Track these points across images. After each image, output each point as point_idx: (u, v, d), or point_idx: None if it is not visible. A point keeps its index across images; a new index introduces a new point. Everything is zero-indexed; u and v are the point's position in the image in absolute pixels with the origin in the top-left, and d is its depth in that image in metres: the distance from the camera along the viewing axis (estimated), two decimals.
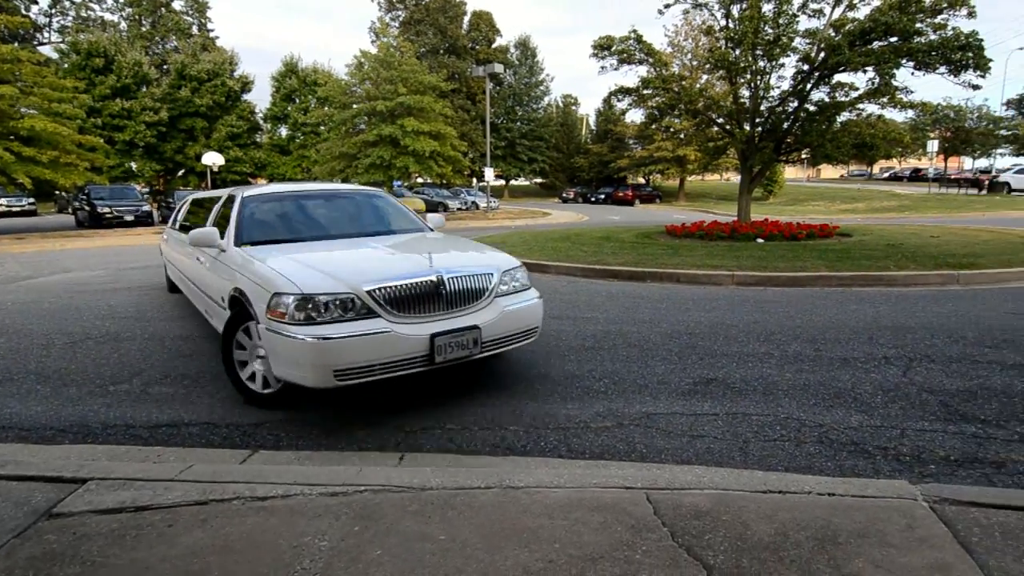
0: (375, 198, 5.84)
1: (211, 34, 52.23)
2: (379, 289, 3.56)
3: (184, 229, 6.59)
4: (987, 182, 38.10)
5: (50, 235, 20.10)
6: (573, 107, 57.59)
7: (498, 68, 30.01)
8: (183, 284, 6.44)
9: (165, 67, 45.07)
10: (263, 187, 5.53)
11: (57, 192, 33.98)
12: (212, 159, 28.65)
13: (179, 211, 7.62)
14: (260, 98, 65.75)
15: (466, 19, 52.86)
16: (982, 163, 57.19)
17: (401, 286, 3.62)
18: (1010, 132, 46.67)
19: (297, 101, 43.01)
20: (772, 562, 2.02)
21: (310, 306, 3.41)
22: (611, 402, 3.88)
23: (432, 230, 5.48)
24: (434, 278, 3.75)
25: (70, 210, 28.52)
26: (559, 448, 3.26)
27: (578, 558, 2.07)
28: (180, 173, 41.94)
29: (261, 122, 44.17)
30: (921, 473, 2.86)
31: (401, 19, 51.62)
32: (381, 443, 3.39)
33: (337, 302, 3.46)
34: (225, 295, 4.18)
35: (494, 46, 53.04)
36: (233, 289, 4.00)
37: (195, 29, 51.57)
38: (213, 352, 5.25)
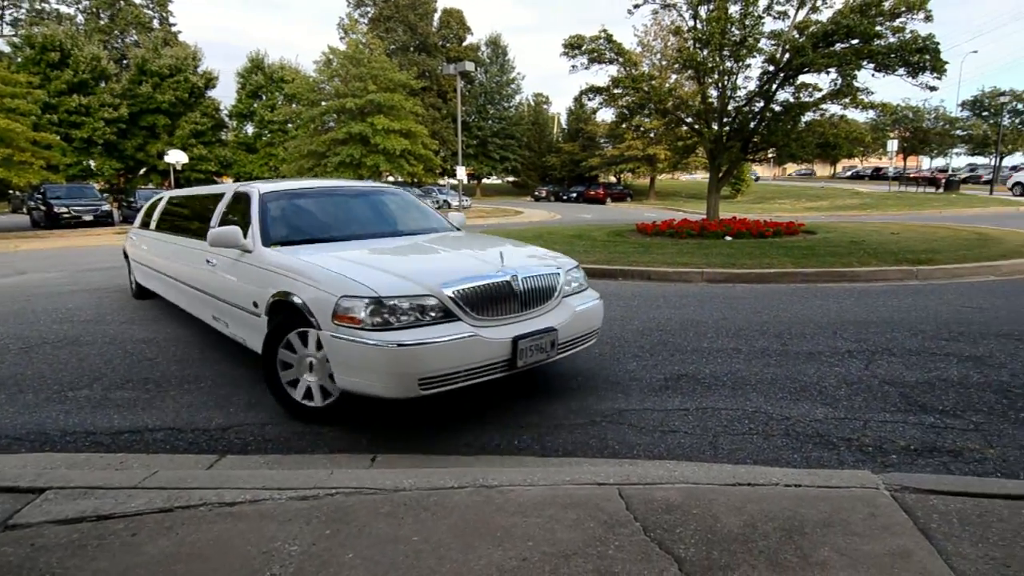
0: (396, 195, 5.59)
1: (173, 28, 50.84)
2: (460, 290, 3.35)
3: (170, 229, 6.16)
4: (944, 180, 39.44)
5: (4, 236, 19.33)
6: (545, 106, 57.79)
7: (469, 66, 29.97)
8: (172, 288, 5.94)
9: (125, 62, 43.72)
10: (277, 184, 5.10)
11: (11, 192, 32.67)
12: (175, 157, 27.94)
13: (155, 210, 7.00)
14: (225, 95, 64.35)
15: (436, 16, 52.56)
16: (939, 162, 59.26)
17: (480, 287, 3.43)
18: (965, 132, 48.47)
19: (264, 98, 42.19)
20: (741, 553, 2.05)
21: (386, 310, 3.15)
22: (584, 399, 3.90)
23: (459, 229, 5.26)
24: (508, 278, 3.59)
25: (25, 210, 27.46)
26: (532, 446, 3.27)
27: (552, 555, 2.07)
28: (142, 172, 40.74)
29: (226, 119, 43.19)
30: (883, 463, 2.95)
31: (370, 15, 51.05)
32: (353, 444, 3.35)
33: (416, 305, 3.21)
34: (261, 300, 3.84)
35: (465, 44, 52.84)
36: (275, 294, 3.67)
37: (156, 23, 50.12)
38: (178, 356, 5.12)
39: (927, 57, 11.86)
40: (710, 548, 2.09)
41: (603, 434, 3.37)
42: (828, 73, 13.06)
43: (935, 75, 12.15)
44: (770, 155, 17.26)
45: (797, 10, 13.51)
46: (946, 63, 12.01)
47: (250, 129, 42.93)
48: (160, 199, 7.14)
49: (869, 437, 3.24)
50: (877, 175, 55.71)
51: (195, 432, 3.53)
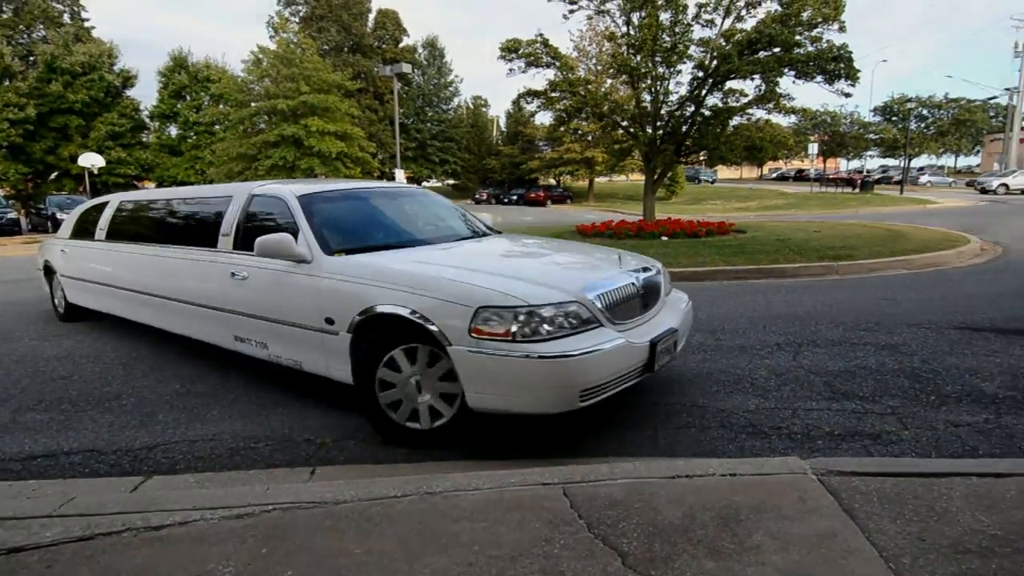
0: (427, 195, 5.31)
1: (86, 24, 47.74)
2: (601, 295, 3.22)
3: (145, 239, 5.33)
4: (860, 181, 42.09)
5: None
6: (483, 108, 57.86)
7: (406, 68, 29.66)
8: (149, 308, 5.17)
9: (32, 59, 40.69)
10: (306, 184, 4.61)
11: None
12: (90, 160, 26.22)
13: (99, 217, 6.07)
14: (146, 95, 60.88)
15: (371, 17, 51.69)
16: (855, 164, 63.30)
17: (616, 290, 3.33)
18: (877, 136, 51.98)
19: (188, 98, 40.23)
20: (681, 543, 2.11)
21: (536, 320, 2.90)
22: None
23: (500, 232, 5.10)
24: (634, 280, 3.52)
25: None
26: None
27: (498, 558, 2.07)
28: (53, 176, 38.01)
29: (147, 120, 40.93)
30: (810, 448, 3.11)
31: (302, 14, 49.64)
32: (291, 458, 3.23)
33: (563, 313, 2.98)
34: (341, 315, 3.43)
35: (401, 45, 52.22)
36: (367, 308, 3.29)
37: (67, 18, 46.91)
38: (98, 373, 4.81)
39: (842, 65, 12.65)
40: (652, 540, 2.14)
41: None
42: (753, 80, 13.72)
43: (849, 82, 12.98)
44: (701, 157, 17.94)
45: (723, 19, 14.12)
46: (859, 71, 12.85)
47: (173, 131, 40.81)
48: (103, 204, 6.24)
49: (797, 425, 3.40)
50: (800, 176, 58.86)
51: (117, 453, 3.32)
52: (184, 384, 4.46)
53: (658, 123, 14.83)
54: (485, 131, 55.86)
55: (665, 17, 13.84)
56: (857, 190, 40.02)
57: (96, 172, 29.16)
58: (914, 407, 3.61)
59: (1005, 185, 35.49)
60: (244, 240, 4.21)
